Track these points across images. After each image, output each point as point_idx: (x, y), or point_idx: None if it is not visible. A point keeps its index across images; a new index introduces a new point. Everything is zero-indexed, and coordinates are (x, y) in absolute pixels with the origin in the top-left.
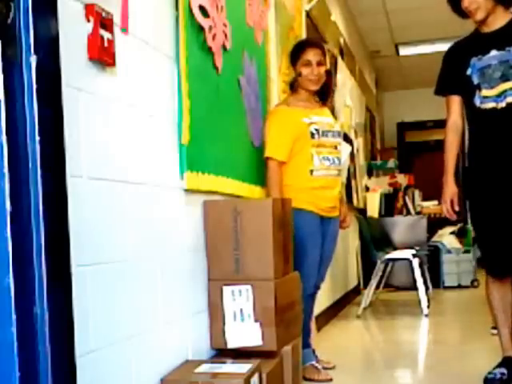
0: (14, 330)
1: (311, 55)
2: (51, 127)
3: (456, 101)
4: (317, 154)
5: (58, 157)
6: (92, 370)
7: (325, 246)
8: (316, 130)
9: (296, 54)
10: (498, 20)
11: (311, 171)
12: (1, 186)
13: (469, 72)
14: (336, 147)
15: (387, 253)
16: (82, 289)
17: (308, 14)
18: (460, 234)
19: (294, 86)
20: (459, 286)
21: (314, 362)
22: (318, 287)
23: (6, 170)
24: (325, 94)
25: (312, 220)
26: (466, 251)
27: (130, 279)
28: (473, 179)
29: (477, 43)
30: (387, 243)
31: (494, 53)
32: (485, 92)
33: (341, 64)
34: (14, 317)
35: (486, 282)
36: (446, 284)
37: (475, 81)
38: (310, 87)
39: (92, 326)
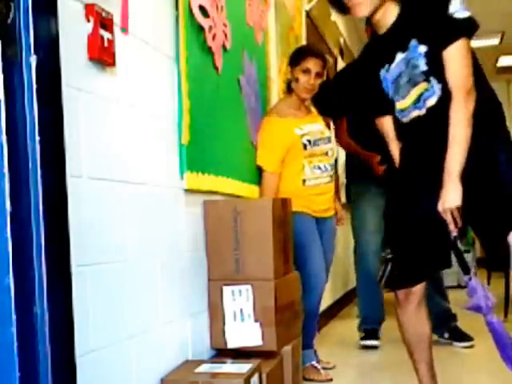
0: (14, 330)
1: (312, 64)
2: (51, 127)
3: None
4: (308, 163)
5: (58, 157)
6: (92, 370)
7: (324, 246)
8: (308, 141)
9: (297, 58)
10: (390, 15)
11: (303, 181)
12: (1, 186)
13: (384, 86)
14: (327, 153)
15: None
16: (82, 289)
17: (308, 14)
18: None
19: (290, 88)
20: (459, 286)
21: (314, 362)
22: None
23: (6, 169)
24: None
25: (307, 221)
26: (466, 251)
27: (130, 279)
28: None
29: (379, 51)
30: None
31: (399, 56)
32: (398, 105)
33: (341, 64)
34: (14, 317)
35: (396, 310)
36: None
37: (390, 94)
38: (303, 95)
39: (92, 325)
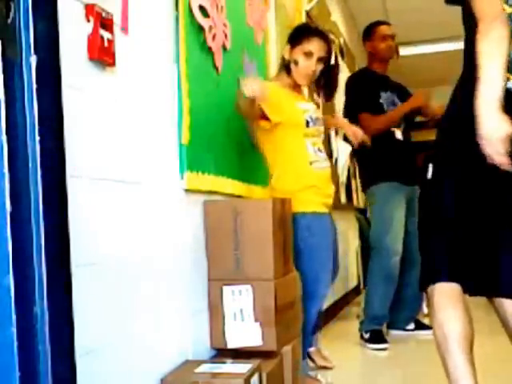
0: (14, 330)
1: (316, 46)
2: (51, 127)
3: None
4: (312, 144)
5: (58, 157)
6: (92, 370)
7: (333, 248)
8: (310, 117)
9: (299, 37)
10: None
11: (310, 163)
12: (1, 186)
13: None
14: (320, 136)
15: None
16: (82, 289)
17: (308, 14)
18: None
19: (288, 68)
20: None
21: (309, 372)
22: (333, 282)
23: (6, 169)
24: (330, 90)
25: (328, 222)
26: None
27: (130, 279)
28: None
29: None
30: None
31: None
32: None
33: (341, 64)
34: (13, 317)
35: (433, 304)
36: None
37: None
38: (300, 81)
39: (92, 326)
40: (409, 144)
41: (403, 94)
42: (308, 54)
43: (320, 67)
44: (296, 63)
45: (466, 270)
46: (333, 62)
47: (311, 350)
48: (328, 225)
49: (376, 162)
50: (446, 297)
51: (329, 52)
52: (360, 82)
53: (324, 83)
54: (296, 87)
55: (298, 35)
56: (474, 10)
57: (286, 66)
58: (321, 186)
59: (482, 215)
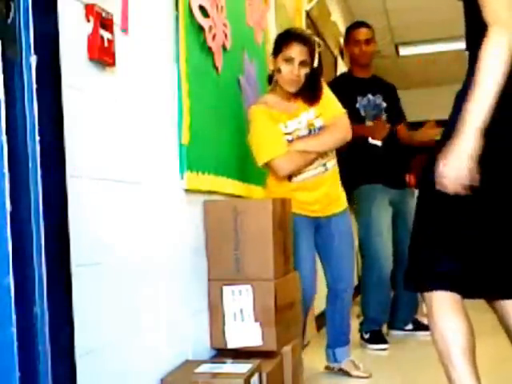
0: (14, 330)
1: (295, 52)
2: (51, 127)
3: None
4: None
5: (58, 157)
6: (92, 370)
7: (334, 247)
8: (290, 140)
9: (279, 46)
10: None
11: (289, 178)
12: (1, 186)
13: None
14: None
15: None
16: (82, 289)
17: (308, 14)
18: None
19: (272, 81)
20: None
21: None
22: (344, 290)
23: (6, 169)
24: (313, 93)
25: (298, 222)
26: None
27: (130, 279)
28: None
29: None
30: None
31: None
32: None
33: (341, 64)
34: (14, 317)
35: (432, 312)
36: None
37: None
38: (287, 88)
39: (92, 325)
40: (390, 146)
41: (390, 94)
42: (289, 60)
43: (304, 71)
44: (279, 71)
45: (477, 273)
46: (315, 64)
47: (343, 361)
48: (301, 226)
49: (354, 165)
50: (446, 305)
51: (312, 55)
52: (334, 88)
53: (307, 87)
54: (292, 97)
55: (279, 44)
56: (486, 11)
57: (271, 78)
58: (295, 196)
59: (499, 219)
